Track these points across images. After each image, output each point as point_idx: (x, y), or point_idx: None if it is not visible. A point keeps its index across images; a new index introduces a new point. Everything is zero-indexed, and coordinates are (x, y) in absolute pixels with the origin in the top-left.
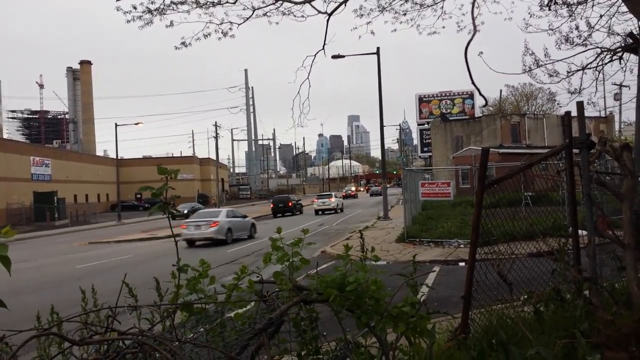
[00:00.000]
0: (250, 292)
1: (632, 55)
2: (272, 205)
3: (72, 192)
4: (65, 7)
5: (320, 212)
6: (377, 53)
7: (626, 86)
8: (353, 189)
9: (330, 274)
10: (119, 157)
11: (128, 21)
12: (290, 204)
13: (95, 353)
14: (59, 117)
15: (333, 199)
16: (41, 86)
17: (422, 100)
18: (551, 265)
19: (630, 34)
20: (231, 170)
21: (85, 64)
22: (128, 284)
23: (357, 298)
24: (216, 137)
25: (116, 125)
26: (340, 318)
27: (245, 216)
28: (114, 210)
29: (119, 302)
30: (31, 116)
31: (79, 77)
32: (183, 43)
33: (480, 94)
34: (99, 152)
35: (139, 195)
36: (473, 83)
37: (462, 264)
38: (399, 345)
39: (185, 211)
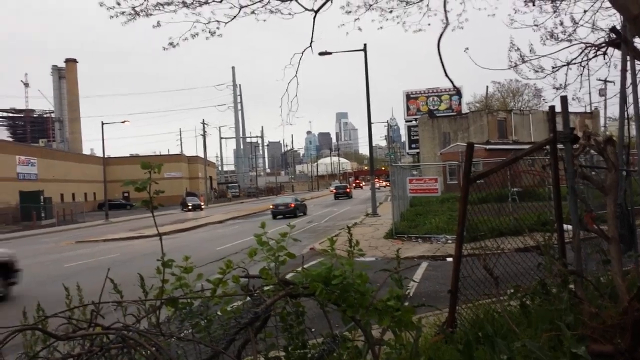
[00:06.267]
0: (237, 287)
1: (616, 50)
2: None
3: (59, 192)
4: (49, 5)
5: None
6: (364, 50)
7: (611, 82)
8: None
9: (316, 269)
10: (106, 156)
11: (111, 17)
12: None
13: (80, 348)
14: (45, 115)
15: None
16: (26, 85)
17: (409, 97)
18: (537, 260)
19: (614, 29)
20: (219, 168)
21: (71, 62)
22: (113, 280)
23: (343, 292)
24: (204, 135)
25: (103, 123)
26: (326, 312)
27: None
28: (101, 209)
29: (105, 299)
30: (16, 115)
31: (65, 75)
32: (171, 44)
33: (453, 84)
34: (86, 151)
35: (126, 194)
36: (447, 75)
37: (449, 259)
38: (387, 340)
39: None
